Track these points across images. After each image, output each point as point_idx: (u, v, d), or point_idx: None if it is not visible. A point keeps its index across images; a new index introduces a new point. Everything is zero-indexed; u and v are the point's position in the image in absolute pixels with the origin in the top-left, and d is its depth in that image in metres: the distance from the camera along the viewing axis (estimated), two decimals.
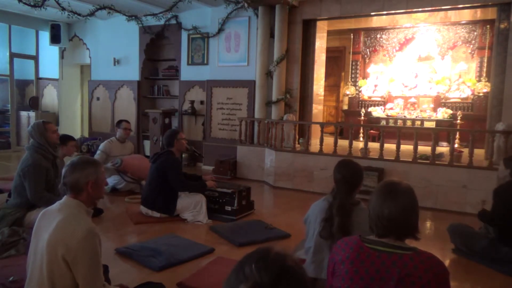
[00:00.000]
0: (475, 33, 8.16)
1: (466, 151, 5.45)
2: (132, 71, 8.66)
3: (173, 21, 7.99)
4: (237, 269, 0.83)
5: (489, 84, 6.97)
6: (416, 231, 1.52)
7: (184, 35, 8.00)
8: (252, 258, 0.83)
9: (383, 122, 8.35)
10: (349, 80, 9.48)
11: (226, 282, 0.83)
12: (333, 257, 1.58)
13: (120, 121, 5.88)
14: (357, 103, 9.35)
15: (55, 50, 9.58)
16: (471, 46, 8.24)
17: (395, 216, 1.48)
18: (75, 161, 1.97)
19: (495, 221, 3.35)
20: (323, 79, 7.88)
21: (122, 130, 5.69)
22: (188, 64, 8.04)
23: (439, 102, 8.36)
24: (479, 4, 5.99)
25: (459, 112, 7.69)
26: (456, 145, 6.23)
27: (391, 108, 8.64)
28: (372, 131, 8.09)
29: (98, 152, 5.56)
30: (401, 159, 5.45)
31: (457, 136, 6.91)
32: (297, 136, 6.54)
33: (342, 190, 2.34)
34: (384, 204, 1.50)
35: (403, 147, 5.80)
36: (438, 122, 7.81)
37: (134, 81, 8.63)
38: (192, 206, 4.28)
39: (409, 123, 8.09)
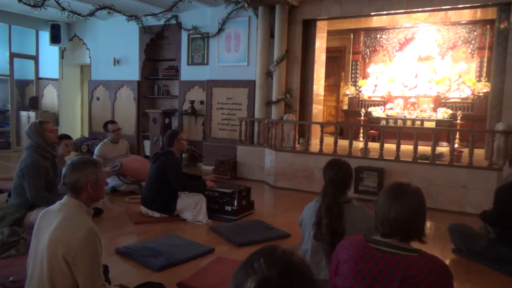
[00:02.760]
0: (475, 33, 8.15)
1: (466, 151, 5.45)
2: (132, 71, 8.66)
3: (173, 21, 7.99)
4: (245, 264, 0.86)
5: (489, 84, 6.97)
6: (422, 234, 1.52)
7: (184, 35, 8.00)
8: (260, 254, 0.87)
9: (383, 122, 8.34)
10: (349, 80, 9.48)
11: (234, 277, 0.86)
12: (337, 256, 1.58)
13: (105, 124, 5.78)
14: (357, 103, 9.35)
15: (55, 50, 9.58)
16: (471, 46, 8.23)
17: (401, 217, 1.47)
18: (75, 161, 1.97)
19: (495, 221, 3.36)
20: (323, 79, 7.88)
21: (112, 133, 5.65)
22: (188, 64, 8.04)
23: (439, 102, 8.36)
24: (479, 4, 5.99)
25: (459, 112, 7.69)
26: (456, 145, 6.23)
27: (391, 108, 8.64)
28: (372, 131, 8.09)
29: (93, 157, 5.53)
30: (401, 159, 5.45)
31: (457, 136, 6.92)
32: (297, 136, 6.54)
33: (330, 191, 2.33)
34: (391, 205, 1.50)
35: (403, 147, 5.80)
36: (438, 122, 7.80)
37: (134, 81, 8.63)
38: (192, 206, 4.28)
39: (409, 123, 8.09)
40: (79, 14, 7.29)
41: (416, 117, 8.17)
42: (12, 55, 9.14)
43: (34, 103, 9.68)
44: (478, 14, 7.47)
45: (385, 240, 1.51)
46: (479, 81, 7.89)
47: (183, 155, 7.33)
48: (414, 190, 1.53)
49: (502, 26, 5.71)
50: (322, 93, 7.89)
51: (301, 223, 2.60)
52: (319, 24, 7.28)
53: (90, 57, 9.29)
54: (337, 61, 10.25)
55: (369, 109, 8.79)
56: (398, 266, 1.42)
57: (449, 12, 7.39)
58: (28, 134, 3.61)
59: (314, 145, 6.52)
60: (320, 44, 7.47)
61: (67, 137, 4.55)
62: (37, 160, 3.51)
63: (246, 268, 0.85)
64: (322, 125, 6.45)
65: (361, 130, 8.25)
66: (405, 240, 1.50)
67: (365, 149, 5.81)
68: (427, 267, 1.40)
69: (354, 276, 1.47)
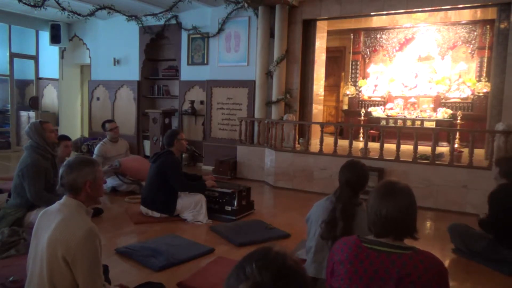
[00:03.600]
0: (475, 33, 8.15)
1: (466, 151, 5.45)
2: (132, 71, 8.66)
3: (173, 21, 7.99)
4: (237, 269, 0.82)
5: (489, 84, 6.97)
6: (414, 231, 1.52)
7: (184, 35, 8.00)
8: (252, 258, 0.83)
9: (383, 122, 8.34)
10: (349, 80, 9.48)
11: (226, 282, 0.83)
12: (332, 257, 1.58)
13: (103, 123, 5.81)
14: (357, 103, 9.35)
15: (55, 50, 9.58)
16: (471, 46, 8.24)
17: (393, 215, 1.48)
18: (71, 161, 1.96)
19: (493, 226, 3.35)
20: (323, 79, 7.88)
21: (110, 132, 5.67)
22: (188, 64, 8.04)
23: (439, 102, 8.36)
24: (479, 4, 5.99)
25: (459, 112, 7.69)
26: (456, 145, 6.23)
27: (391, 108, 8.64)
28: (372, 131, 8.09)
29: (94, 156, 5.55)
30: (401, 159, 5.45)
31: (457, 136, 6.91)
32: (297, 136, 6.54)
33: (346, 193, 2.32)
34: (381, 203, 1.50)
35: (403, 147, 5.80)
36: (438, 122, 7.80)
37: (134, 81, 8.63)
38: (192, 206, 4.28)
39: (409, 123, 8.09)
40: (79, 14, 7.30)
41: (416, 117, 8.17)
42: (12, 55, 9.14)
43: (34, 103, 9.68)
44: (478, 14, 7.47)
45: (379, 240, 1.51)
46: (479, 81, 7.89)
47: (183, 155, 7.33)
48: (403, 187, 1.54)
49: (502, 26, 5.71)
50: (322, 93, 7.89)
51: (308, 220, 2.60)
52: (319, 24, 7.28)
53: (90, 57, 9.29)
54: (337, 61, 10.25)
55: (369, 109, 8.79)
56: (394, 264, 1.42)
57: (449, 12, 7.39)
58: (28, 134, 3.61)
59: (314, 145, 6.52)
60: (320, 44, 7.47)
61: (67, 138, 4.53)
62: (37, 160, 3.51)
63: (237, 273, 0.81)
64: (322, 125, 6.45)
65: (361, 130, 8.25)
66: (399, 238, 1.51)
67: (365, 149, 5.81)
68: (422, 265, 1.40)
69: (350, 277, 1.47)
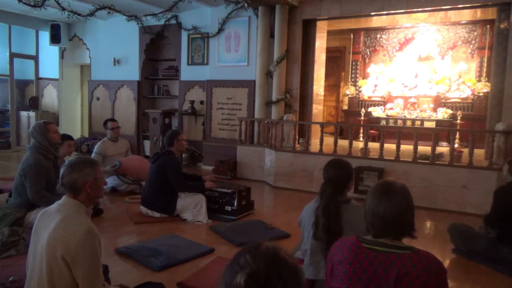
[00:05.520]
0: (475, 33, 8.15)
1: (466, 151, 5.45)
2: (132, 71, 8.66)
3: (173, 21, 7.99)
4: (232, 263, 0.88)
5: (489, 84, 6.97)
6: (412, 229, 1.53)
7: (184, 35, 8.00)
8: (245, 251, 0.89)
9: (383, 122, 8.34)
10: (349, 80, 9.48)
11: (222, 277, 0.88)
12: (331, 258, 1.58)
13: (105, 122, 5.83)
14: (357, 103, 9.35)
15: (55, 50, 9.58)
16: (471, 46, 8.24)
17: (391, 215, 1.48)
18: (73, 161, 1.96)
19: (495, 222, 3.36)
20: (323, 79, 7.88)
21: (110, 131, 5.68)
22: (188, 64, 8.04)
23: (439, 102, 8.37)
24: (479, 4, 5.98)
25: (459, 112, 7.69)
26: (456, 145, 6.23)
27: (391, 108, 8.64)
28: (372, 131, 8.09)
29: (93, 154, 5.55)
30: (401, 159, 5.45)
31: (457, 136, 6.92)
32: (297, 136, 6.54)
33: (327, 190, 2.32)
34: (379, 204, 1.51)
35: (403, 147, 5.79)
36: (438, 122, 7.81)
37: (134, 81, 8.63)
38: (192, 206, 4.28)
39: (409, 123, 8.09)
40: (79, 14, 7.30)
41: (416, 117, 8.17)
42: (12, 55, 9.14)
43: (34, 103, 9.68)
44: (478, 14, 7.47)
45: (377, 240, 1.51)
46: (479, 81, 7.89)
47: (183, 155, 7.33)
48: (400, 187, 1.54)
49: (502, 26, 5.71)
50: (322, 93, 7.89)
51: (300, 223, 2.60)
52: (319, 24, 7.28)
53: (90, 57, 9.30)
54: (337, 61, 10.25)
55: (369, 109, 8.80)
56: (393, 264, 1.42)
57: (449, 12, 7.39)
58: (32, 134, 3.62)
59: (314, 145, 6.52)
60: (320, 44, 7.47)
61: (70, 137, 4.59)
62: (39, 160, 3.52)
63: (232, 266, 0.87)
64: (322, 125, 6.45)
65: (361, 130, 8.25)
66: (397, 238, 1.51)
67: (365, 149, 5.81)
68: (421, 265, 1.40)
69: (349, 277, 1.48)
